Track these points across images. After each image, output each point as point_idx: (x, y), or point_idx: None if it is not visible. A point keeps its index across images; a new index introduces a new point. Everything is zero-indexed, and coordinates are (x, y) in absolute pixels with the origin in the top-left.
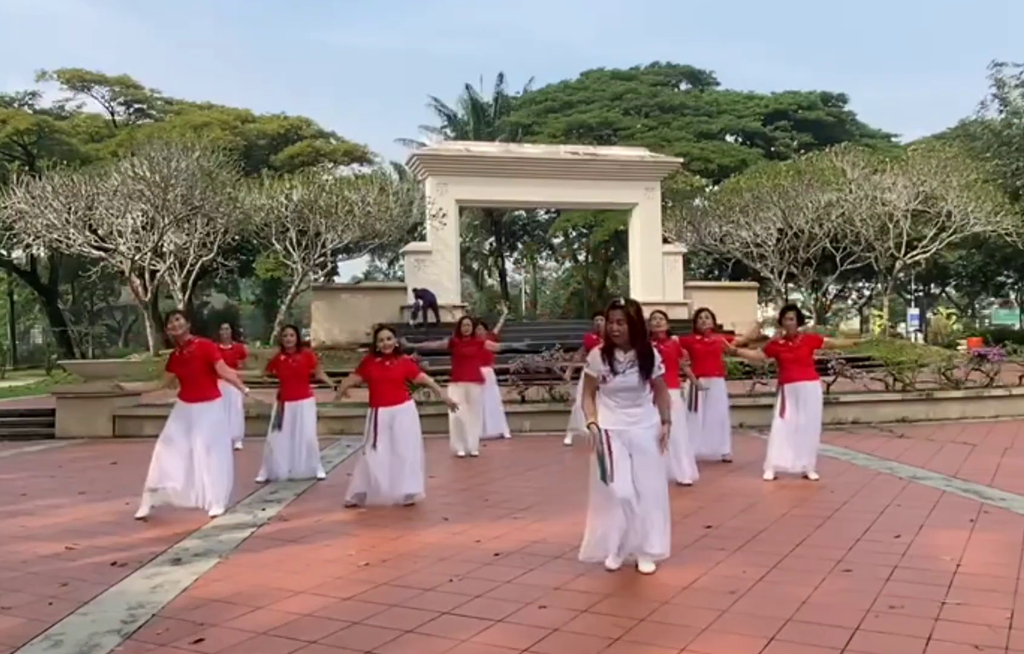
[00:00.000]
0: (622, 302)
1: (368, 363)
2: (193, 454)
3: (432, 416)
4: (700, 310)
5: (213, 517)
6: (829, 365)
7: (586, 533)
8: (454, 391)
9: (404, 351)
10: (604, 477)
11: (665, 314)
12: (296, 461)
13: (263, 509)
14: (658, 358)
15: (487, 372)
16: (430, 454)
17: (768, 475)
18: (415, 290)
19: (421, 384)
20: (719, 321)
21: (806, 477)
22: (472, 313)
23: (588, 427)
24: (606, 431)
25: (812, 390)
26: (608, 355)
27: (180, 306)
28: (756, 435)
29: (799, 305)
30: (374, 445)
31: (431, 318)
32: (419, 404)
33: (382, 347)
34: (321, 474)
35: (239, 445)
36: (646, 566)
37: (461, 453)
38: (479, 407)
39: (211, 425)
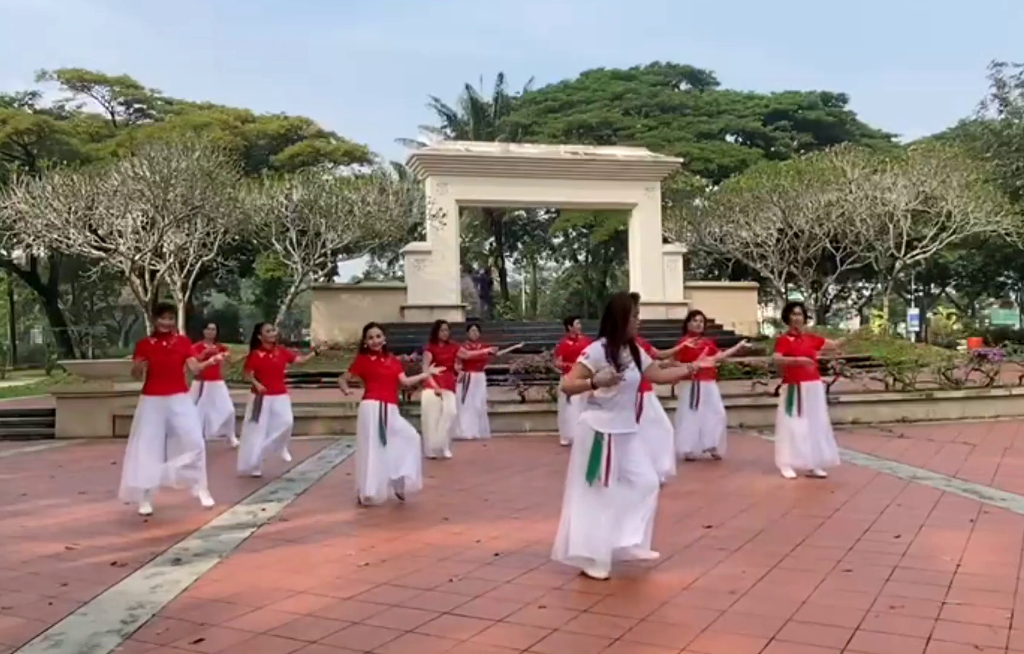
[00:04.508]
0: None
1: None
2: None
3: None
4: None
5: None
6: (829, 365)
7: (568, 530)
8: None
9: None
10: (591, 478)
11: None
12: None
13: (263, 509)
14: (641, 351)
15: (479, 376)
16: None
17: (789, 473)
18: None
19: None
20: (719, 321)
21: (814, 475)
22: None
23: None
24: (609, 435)
25: (820, 388)
26: (614, 352)
27: (180, 306)
28: (756, 435)
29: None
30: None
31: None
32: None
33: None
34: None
35: (235, 441)
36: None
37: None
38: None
39: None
